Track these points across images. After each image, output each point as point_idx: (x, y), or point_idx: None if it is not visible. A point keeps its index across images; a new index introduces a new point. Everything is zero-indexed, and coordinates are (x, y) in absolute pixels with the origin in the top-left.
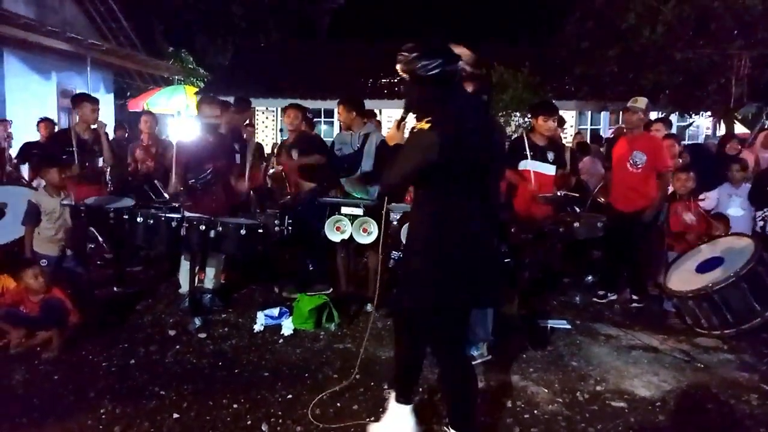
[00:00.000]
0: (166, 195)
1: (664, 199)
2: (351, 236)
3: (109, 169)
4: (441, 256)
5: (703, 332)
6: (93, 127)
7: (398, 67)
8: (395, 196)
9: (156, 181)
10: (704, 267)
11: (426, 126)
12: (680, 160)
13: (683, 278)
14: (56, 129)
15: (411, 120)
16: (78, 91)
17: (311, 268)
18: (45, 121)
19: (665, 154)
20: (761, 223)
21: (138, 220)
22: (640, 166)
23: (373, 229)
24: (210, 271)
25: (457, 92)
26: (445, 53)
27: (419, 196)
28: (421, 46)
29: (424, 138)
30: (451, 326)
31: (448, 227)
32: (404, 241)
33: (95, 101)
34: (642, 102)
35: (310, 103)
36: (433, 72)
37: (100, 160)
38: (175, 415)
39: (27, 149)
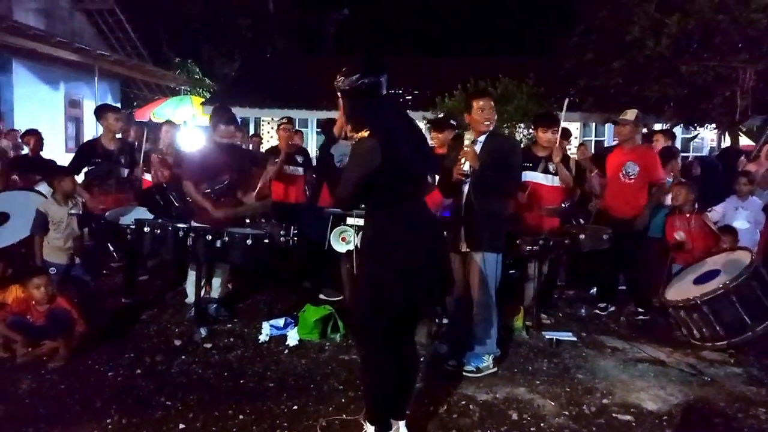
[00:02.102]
0: (178, 205)
1: (650, 208)
2: (356, 247)
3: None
4: (382, 258)
5: (697, 343)
6: (118, 136)
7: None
8: (351, 208)
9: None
10: (702, 279)
11: (365, 134)
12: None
13: (681, 289)
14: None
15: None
16: (86, 101)
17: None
18: (30, 134)
19: (658, 166)
20: None
21: (145, 230)
22: (632, 176)
23: None
24: (216, 281)
25: (383, 105)
26: (365, 67)
27: (366, 206)
28: (347, 64)
29: (365, 143)
30: (389, 324)
31: (388, 232)
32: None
33: (118, 110)
34: (631, 114)
35: (315, 114)
36: (355, 85)
37: (125, 170)
38: (181, 426)
39: (18, 161)
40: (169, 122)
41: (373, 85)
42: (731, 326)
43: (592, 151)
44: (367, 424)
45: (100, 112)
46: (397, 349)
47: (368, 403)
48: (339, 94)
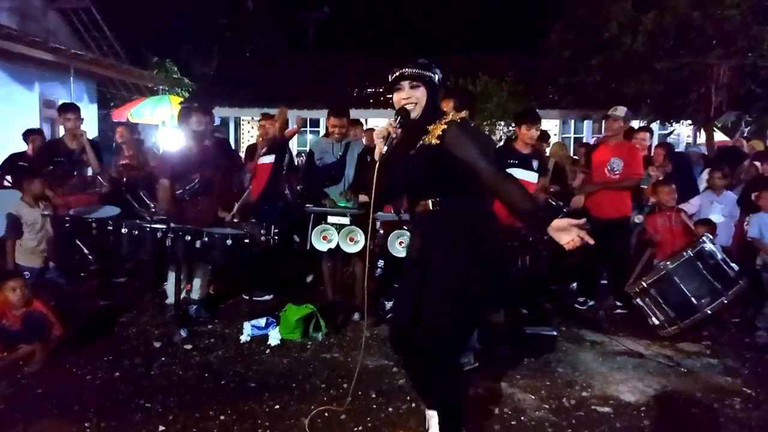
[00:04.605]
0: (150, 204)
1: (610, 186)
2: (338, 245)
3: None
4: (484, 258)
5: (659, 332)
6: (90, 137)
7: (412, 73)
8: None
9: (142, 192)
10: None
11: (463, 115)
12: (661, 171)
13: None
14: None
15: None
16: (61, 101)
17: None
18: (33, 134)
19: (639, 162)
20: (746, 227)
21: (123, 230)
22: (617, 172)
23: (360, 238)
24: (196, 282)
25: None
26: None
27: (453, 201)
28: (426, 59)
29: (468, 123)
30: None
31: (487, 228)
32: (411, 253)
33: (76, 110)
34: (621, 110)
35: (296, 113)
36: (440, 78)
37: (89, 169)
38: (161, 428)
39: (13, 161)
40: (121, 124)
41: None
42: (679, 308)
43: (571, 148)
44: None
45: (61, 111)
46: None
47: (451, 418)
48: (422, 85)
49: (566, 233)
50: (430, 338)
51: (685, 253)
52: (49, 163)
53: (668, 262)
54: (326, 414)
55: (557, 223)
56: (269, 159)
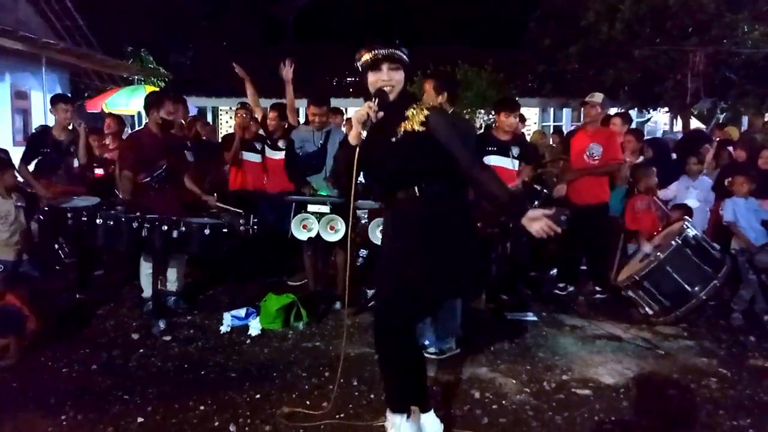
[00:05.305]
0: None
1: (591, 172)
2: (318, 234)
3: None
4: (458, 242)
5: (653, 320)
6: (70, 128)
7: (393, 55)
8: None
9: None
10: (647, 256)
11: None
12: (642, 157)
13: (630, 269)
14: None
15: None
16: (33, 92)
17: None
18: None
19: (618, 147)
20: (722, 212)
21: (98, 221)
22: (596, 158)
23: (341, 226)
24: (172, 273)
25: None
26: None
27: (435, 188)
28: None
29: (453, 113)
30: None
31: (464, 213)
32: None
33: (68, 101)
34: (599, 97)
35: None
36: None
37: (75, 161)
38: (140, 420)
39: None
40: (111, 115)
41: None
42: (674, 297)
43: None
44: (395, 414)
45: (53, 102)
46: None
47: (397, 389)
48: (400, 67)
49: (536, 222)
50: (393, 309)
51: (673, 242)
52: (36, 153)
53: (659, 253)
54: (308, 402)
55: (531, 213)
56: (257, 157)
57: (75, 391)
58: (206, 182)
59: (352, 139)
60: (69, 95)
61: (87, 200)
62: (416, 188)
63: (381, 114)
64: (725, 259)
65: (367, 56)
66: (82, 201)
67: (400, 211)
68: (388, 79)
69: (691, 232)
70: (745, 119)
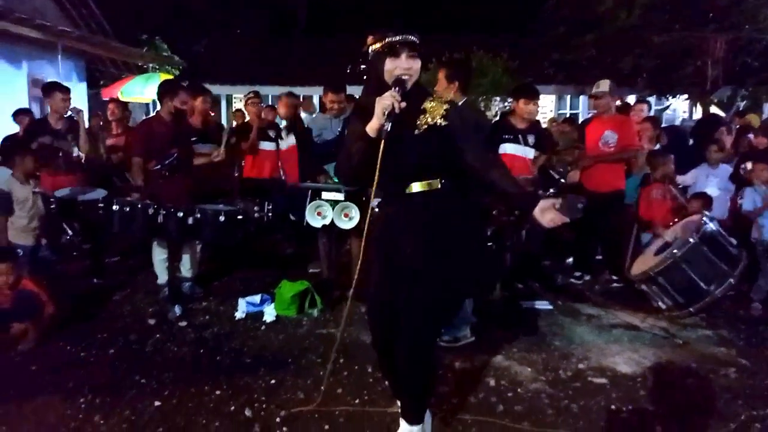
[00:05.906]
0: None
1: (607, 159)
2: (332, 221)
3: (84, 158)
4: (479, 245)
5: (666, 313)
6: (66, 116)
7: (414, 42)
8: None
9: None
10: (662, 249)
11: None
12: (659, 145)
13: (644, 262)
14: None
15: None
16: (49, 80)
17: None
18: (21, 114)
19: (633, 134)
20: (740, 201)
21: (114, 208)
22: (612, 145)
23: (355, 214)
24: (186, 258)
25: None
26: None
27: (454, 182)
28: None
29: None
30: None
31: (475, 209)
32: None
33: (66, 90)
34: (605, 85)
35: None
36: None
37: (75, 149)
38: (156, 403)
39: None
40: (113, 100)
41: None
42: (688, 294)
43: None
44: (413, 426)
45: (48, 90)
46: None
47: (419, 402)
48: (417, 55)
49: (547, 213)
50: (419, 327)
51: (690, 239)
52: (33, 142)
53: (675, 250)
54: (322, 388)
55: (542, 203)
56: (272, 145)
57: (92, 374)
58: (235, 169)
59: (372, 132)
60: (84, 84)
61: (96, 193)
62: (438, 182)
63: (404, 104)
64: (742, 256)
65: (384, 41)
66: (92, 194)
67: (415, 206)
68: (408, 67)
69: (710, 227)
70: (766, 106)
